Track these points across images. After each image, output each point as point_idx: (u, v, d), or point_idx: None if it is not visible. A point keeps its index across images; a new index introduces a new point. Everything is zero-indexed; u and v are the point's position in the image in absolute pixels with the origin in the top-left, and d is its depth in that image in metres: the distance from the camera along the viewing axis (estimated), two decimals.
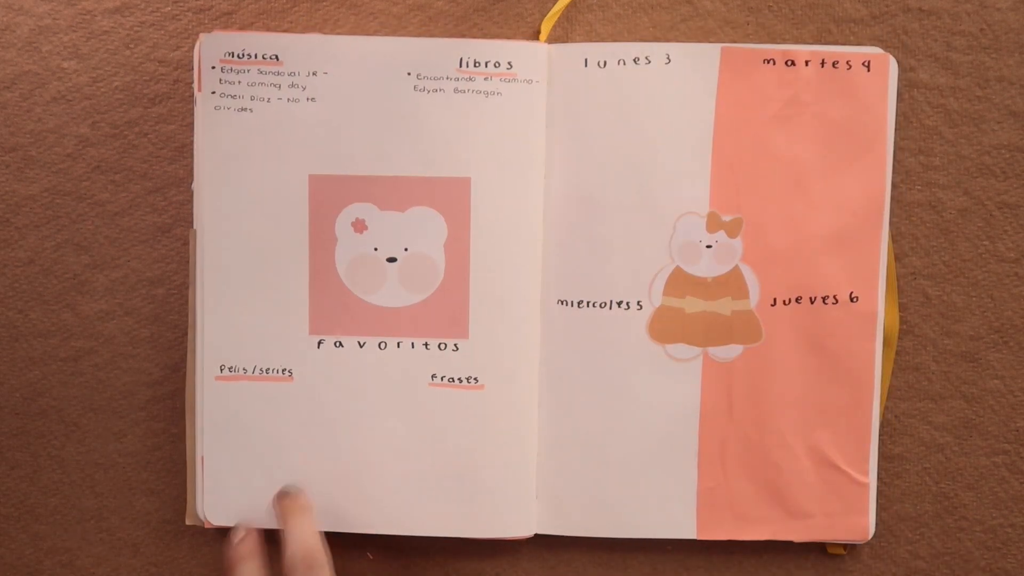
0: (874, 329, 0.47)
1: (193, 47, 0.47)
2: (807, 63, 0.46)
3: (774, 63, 0.47)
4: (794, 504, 0.48)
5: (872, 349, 0.48)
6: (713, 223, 0.47)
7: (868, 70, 0.46)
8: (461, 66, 0.46)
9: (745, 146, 0.47)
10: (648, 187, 0.47)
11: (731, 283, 0.48)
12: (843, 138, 0.47)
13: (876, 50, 0.47)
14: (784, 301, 0.47)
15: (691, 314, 0.48)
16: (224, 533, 0.50)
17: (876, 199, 0.47)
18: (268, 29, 0.48)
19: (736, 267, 0.47)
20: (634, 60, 0.46)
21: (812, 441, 0.48)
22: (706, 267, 0.47)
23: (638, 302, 0.47)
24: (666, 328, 0.48)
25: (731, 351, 0.48)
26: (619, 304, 0.48)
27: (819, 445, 0.48)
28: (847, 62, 0.46)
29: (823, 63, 0.46)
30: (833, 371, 0.48)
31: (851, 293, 0.47)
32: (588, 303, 0.48)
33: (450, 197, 0.47)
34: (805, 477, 0.48)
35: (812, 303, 0.47)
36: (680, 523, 0.48)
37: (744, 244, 0.47)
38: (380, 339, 0.47)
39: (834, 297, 0.47)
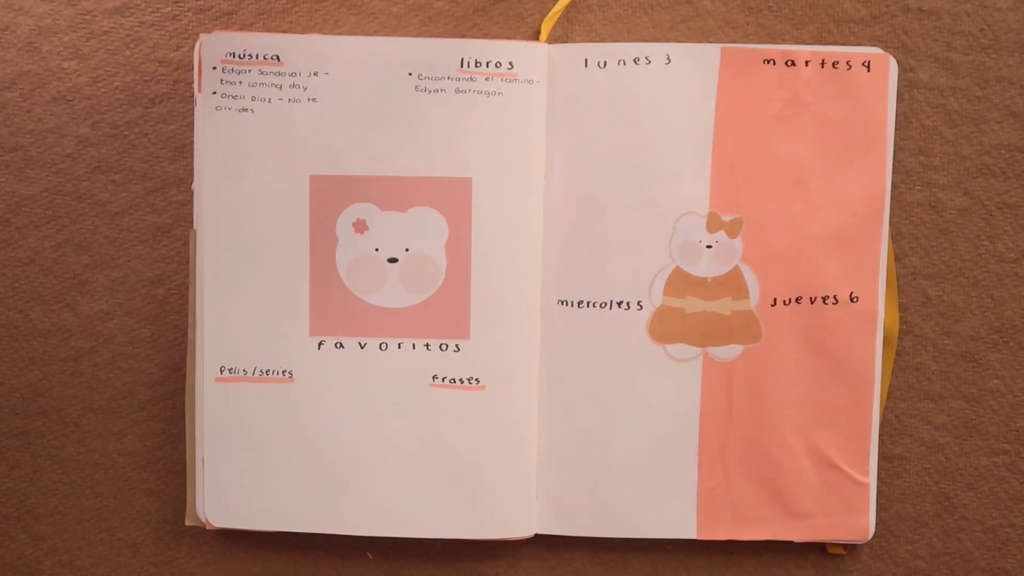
0: (874, 329, 0.47)
1: (193, 47, 0.47)
2: (807, 63, 0.46)
3: (774, 63, 0.46)
4: (794, 504, 0.48)
5: (872, 349, 0.47)
6: (713, 223, 0.47)
7: (868, 70, 0.46)
8: (462, 66, 0.46)
9: (745, 146, 0.47)
10: (648, 187, 0.47)
11: (731, 283, 0.47)
12: (843, 138, 0.47)
13: (876, 50, 0.47)
14: (784, 301, 0.47)
15: (691, 314, 0.48)
16: (226, 535, 0.50)
17: (876, 199, 0.47)
18: (268, 29, 0.48)
19: (736, 267, 0.47)
20: (634, 60, 0.46)
21: (812, 441, 0.48)
22: (706, 267, 0.47)
23: (638, 302, 0.47)
24: (666, 328, 0.48)
25: (731, 351, 0.48)
26: (619, 304, 0.47)
27: (819, 445, 0.48)
28: (847, 62, 0.46)
29: (823, 63, 0.46)
30: (833, 371, 0.48)
31: (851, 293, 0.47)
32: (588, 303, 0.47)
33: (451, 197, 0.46)
34: (805, 477, 0.48)
35: (812, 303, 0.47)
36: (680, 523, 0.48)
37: (744, 244, 0.47)
38: (381, 340, 0.47)
39: (834, 297, 0.47)
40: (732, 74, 0.46)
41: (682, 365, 0.48)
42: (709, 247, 0.47)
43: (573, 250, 0.47)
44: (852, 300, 0.47)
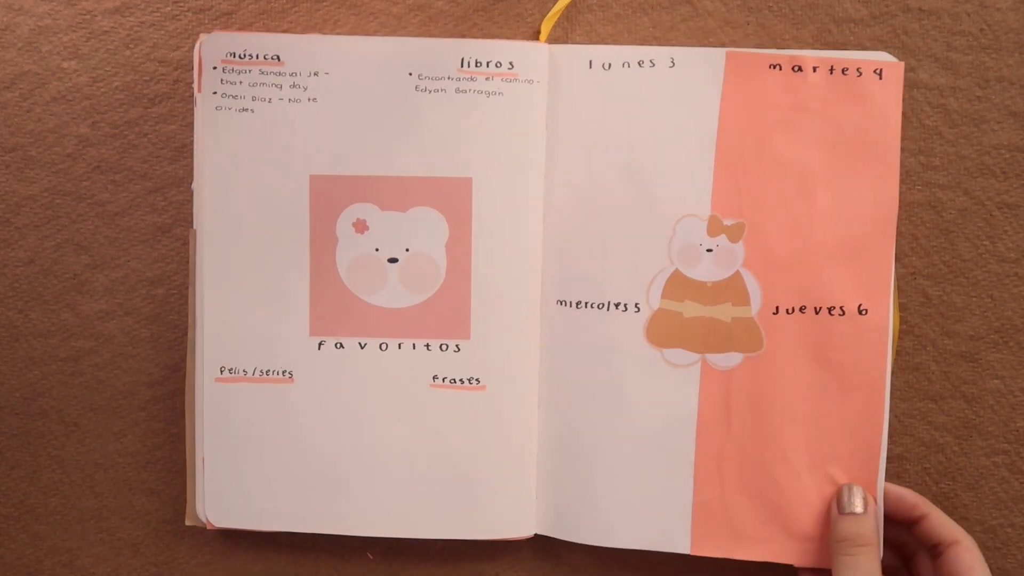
0: (885, 344, 0.46)
1: (193, 47, 0.47)
2: (815, 69, 0.46)
3: (780, 68, 0.46)
4: (795, 525, 0.46)
5: (883, 366, 0.46)
6: (714, 227, 0.46)
7: (880, 78, 0.46)
8: (462, 66, 0.46)
9: (749, 151, 0.46)
10: (649, 189, 0.46)
11: (731, 288, 0.47)
12: (852, 146, 0.46)
13: (888, 57, 0.46)
14: (787, 310, 0.46)
15: (689, 319, 0.47)
16: (226, 535, 0.50)
17: (887, 209, 0.46)
18: (268, 29, 0.48)
19: (737, 272, 0.47)
20: (638, 63, 0.46)
21: (817, 460, 0.46)
22: (706, 271, 0.47)
23: (636, 304, 0.47)
24: (664, 332, 0.47)
25: (731, 359, 0.47)
26: (616, 306, 0.47)
27: (824, 465, 0.46)
28: (857, 69, 0.46)
29: (832, 70, 0.46)
30: (841, 387, 0.46)
31: (860, 305, 0.46)
32: (586, 304, 0.47)
33: (451, 197, 0.46)
34: (807, 497, 0.46)
35: (817, 313, 0.46)
36: (674, 536, 0.47)
37: (746, 249, 0.46)
38: (381, 340, 0.47)
39: (840, 308, 0.46)
40: (737, 78, 0.46)
41: (680, 371, 0.47)
42: (709, 251, 0.46)
43: (572, 250, 0.47)
44: (861, 312, 0.46)
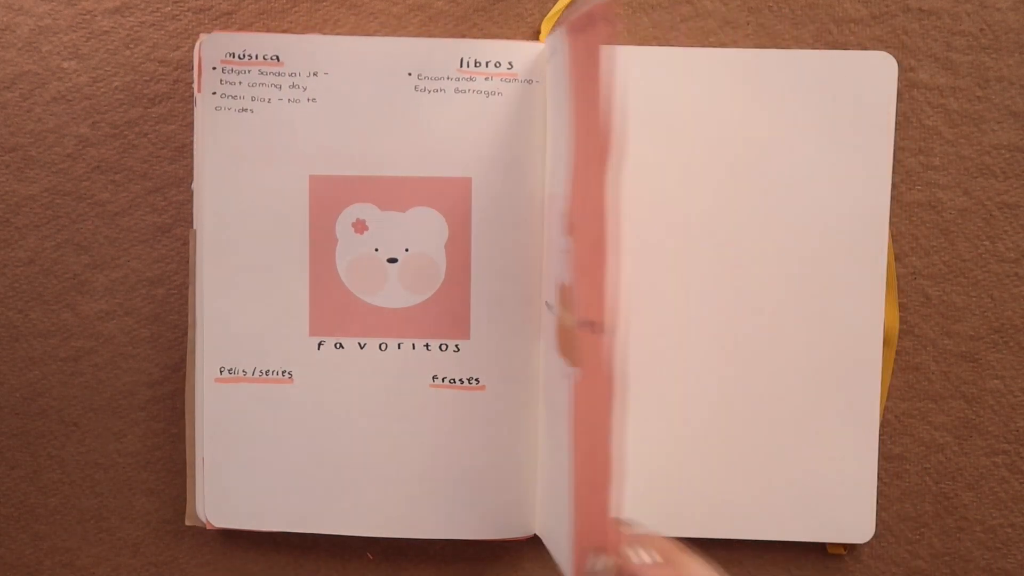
0: (610, 392, 0.35)
1: (193, 47, 0.47)
2: None
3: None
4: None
5: (607, 412, 0.35)
6: (568, 224, 0.39)
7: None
8: (462, 66, 0.46)
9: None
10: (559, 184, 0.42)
11: (567, 294, 0.40)
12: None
13: None
14: (583, 322, 0.37)
15: (565, 327, 0.41)
16: (226, 535, 0.50)
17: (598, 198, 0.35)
18: (268, 29, 0.48)
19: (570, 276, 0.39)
20: None
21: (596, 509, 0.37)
22: (565, 274, 0.40)
23: (551, 306, 0.45)
24: (561, 338, 0.42)
25: (576, 374, 0.39)
26: (548, 306, 0.45)
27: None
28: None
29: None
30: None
31: (592, 321, 0.36)
32: (551, 304, 0.46)
33: (451, 197, 0.47)
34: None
35: (590, 327, 0.36)
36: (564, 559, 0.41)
37: (573, 250, 0.39)
38: (381, 340, 0.47)
39: (592, 323, 0.36)
40: (575, 46, 0.38)
41: (567, 381, 0.40)
42: (567, 252, 0.39)
43: (553, 251, 0.46)
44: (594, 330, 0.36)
